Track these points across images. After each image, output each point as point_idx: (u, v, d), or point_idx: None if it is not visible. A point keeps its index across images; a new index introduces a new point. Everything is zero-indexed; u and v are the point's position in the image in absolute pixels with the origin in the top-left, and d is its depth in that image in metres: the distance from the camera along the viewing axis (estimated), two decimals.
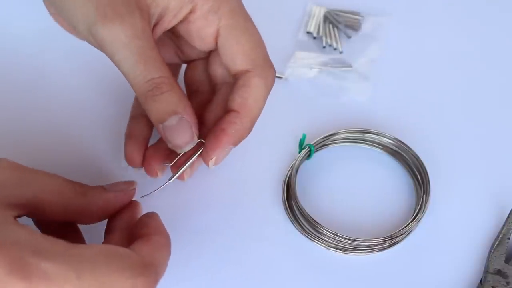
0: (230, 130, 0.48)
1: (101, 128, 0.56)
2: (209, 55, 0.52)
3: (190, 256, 0.50)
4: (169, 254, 0.43)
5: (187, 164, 0.48)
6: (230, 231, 0.51)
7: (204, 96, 0.52)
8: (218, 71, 0.51)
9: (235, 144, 0.49)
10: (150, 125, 0.51)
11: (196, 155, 0.48)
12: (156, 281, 0.41)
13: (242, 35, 0.48)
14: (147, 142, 0.51)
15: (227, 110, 0.49)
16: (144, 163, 0.50)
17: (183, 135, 0.45)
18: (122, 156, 0.50)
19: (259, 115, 0.49)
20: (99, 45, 0.45)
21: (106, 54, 0.45)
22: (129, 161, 0.50)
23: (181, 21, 0.48)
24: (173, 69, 0.54)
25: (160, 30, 0.48)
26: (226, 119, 0.48)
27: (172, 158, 0.49)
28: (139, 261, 0.39)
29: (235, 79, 0.49)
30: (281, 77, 0.60)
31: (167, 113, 0.45)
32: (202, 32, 0.49)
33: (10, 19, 0.62)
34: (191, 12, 0.48)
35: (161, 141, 0.50)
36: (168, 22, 0.48)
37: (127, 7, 0.44)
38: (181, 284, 0.49)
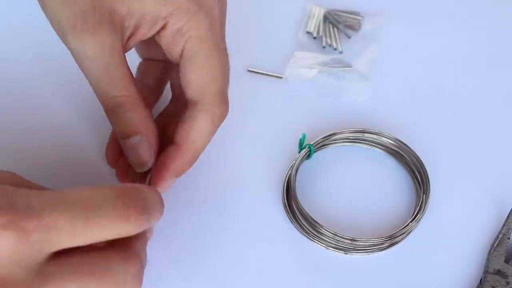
0: (171, 165, 0.47)
1: (95, 129, 0.56)
2: None
3: (189, 256, 0.50)
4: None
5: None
6: (229, 231, 0.51)
7: (183, 102, 0.51)
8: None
9: (178, 176, 0.48)
10: None
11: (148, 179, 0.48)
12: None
13: (200, 65, 0.47)
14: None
15: (171, 141, 0.48)
16: (116, 166, 0.51)
17: (141, 156, 0.46)
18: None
19: (202, 150, 0.48)
20: (71, 53, 0.45)
21: (76, 63, 0.45)
22: (108, 160, 0.51)
23: (155, 34, 0.48)
24: (162, 67, 0.54)
25: (134, 41, 0.47)
26: (168, 153, 0.48)
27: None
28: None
29: (187, 106, 0.48)
30: (280, 77, 0.60)
31: (127, 132, 0.45)
32: (170, 48, 0.48)
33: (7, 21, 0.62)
34: (162, 28, 0.47)
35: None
36: (143, 34, 0.47)
37: (98, 21, 0.44)
38: (180, 284, 0.49)
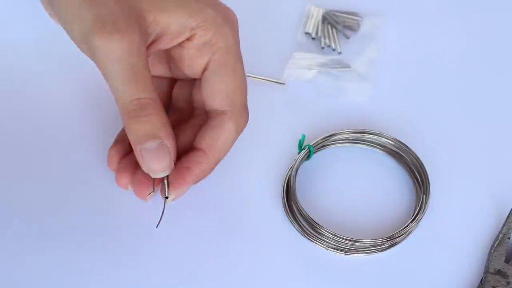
0: (195, 170, 0.48)
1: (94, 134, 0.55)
2: (195, 80, 0.52)
3: (189, 257, 0.50)
4: None
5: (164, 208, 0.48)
6: (229, 232, 0.51)
7: (184, 114, 0.52)
8: (200, 98, 0.51)
9: (196, 183, 0.49)
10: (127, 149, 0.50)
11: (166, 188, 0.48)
12: None
13: (229, 75, 0.48)
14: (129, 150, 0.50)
15: (194, 147, 0.49)
16: (117, 172, 0.50)
17: (161, 161, 0.45)
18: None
19: (223, 158, 0.50)
20: (91, 54, 0.44)
21: (97, 65, 0.44)
22: (108, 164, 0.50)
23: (176, 46, 0.48)
24: (166, 83, 0.54)
25: (154, 49, 0.47)
26: (192, 158, 0.48)
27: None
28: None
29: (208, 116, 0.49)
30: (283, 84, 0.60)
31: (148, 136, 0.44)
32: (194, 61, 0.48)
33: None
34: (188, 39, 0.48)
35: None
36: (164, 44, 0.48)
37: (127, 22, 0.44)
38: (181, 285, 0.49)
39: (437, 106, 0.60)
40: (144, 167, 0.46)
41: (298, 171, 0.54)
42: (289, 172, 0.54)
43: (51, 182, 0.53)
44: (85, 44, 0.44)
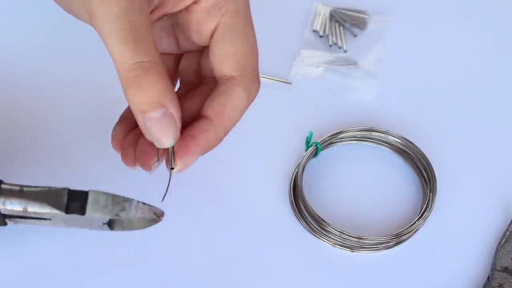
0: (201, 139, 0.44)
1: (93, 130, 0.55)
2: (203, 48, 0.49)
3: (197, 254, 0.50)
4: None
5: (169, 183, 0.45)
6: (236, 229, 0.52)
7: (193, 86, 0.49)
8: (209, 66, 0.48)
9: (203, 154, 0.45)
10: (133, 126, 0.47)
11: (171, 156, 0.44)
12: None
13: (238, 39, 0.45)
14: (134, 125, 0.47)
15: (201, 115, 0.45)
16: (121, 149, 0.46)
17: (166, 131, 0.41)
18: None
19: (233, 127, 0.46)
20: (90, 17, 0.41)
21: (95, 28, 0.41)
22: (112, 143, 0.47)
23: (183, 10, 0.46)
24: (173, 60, 0.51)
25: (159, 13, 0.45)
26: (198, 125, 0.44)
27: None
28: None
29: (218, 82, 0.46)
30: (289, 83, 0.60)
31: (151, 104, 0.40)
32: (201, 25, 0.46)
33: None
34: (195, 2, 0.45)
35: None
36: (170, 7, 0.45)
37: None
38: (187, 281, 0.49)
39: (444, 105, 0.60)
40: (149, 137, 0.42)
41: (305, 168, 0.54)
42: (296, 169, 0.54)
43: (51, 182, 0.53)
44: (84, 7, 0.41)
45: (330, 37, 0.64)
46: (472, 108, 0.60)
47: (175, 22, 0.48)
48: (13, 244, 0.49)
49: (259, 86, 0.46)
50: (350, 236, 0.50)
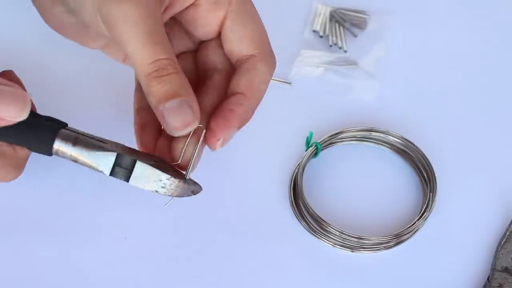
0: (238, 111, 0.47)
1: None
2: (197, 47, 0.52)
3: (197, 253, 0.50)
4: None
5: (195, 155, 0.46)
6: (236, 229, 0.52)
7: (192, 85, 0.50)
8: (209, 59, 0.51)
9: (240, 127, 0.48)
10: None
11: (200, 141, 0.46)
12: None
13: (249, 21, 0.49)
14: (161, 132, 0.49)
15: (230, 93, 0.48)
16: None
17: (183, 116, 0.44)
18: None
19: (262, 98, 0.49)
20: (107, 25, 0.44)
21: (113, 33, 0.44)
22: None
23: (189, 6, 0.48)
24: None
25: (169, 14, 0.47)
26: (232, 100, 0.47)
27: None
28: None
29: (237, 64, 0.49)
30: (289, 83, 0.60)
31: (169, 95, 0.44)
32: (209, 16, 0.49)
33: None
34: None
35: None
36: (179, 6, 0.48)
37: None
38: (187, 280, 0.49)
39: (444, 105, 0.60)
40: (167, 128, 0.45)
41: (305, 168, 0.54)
42: (296, 170, 0.54)
43: (54, 182, 0.53)
44: (99, 15, 0.44)
45: (330, 37, 0.64)
46: (472, 108, 0.60)
47: (182, 20, 0.50)
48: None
49: (275, 60, 0.50)
50: (350, 236, 0.50)
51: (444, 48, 0.64)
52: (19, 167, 0.46)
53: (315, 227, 0.51)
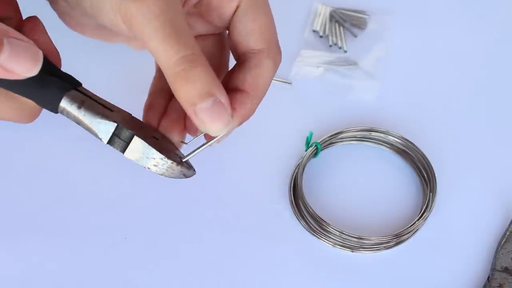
0: (241, 111, 0.46)
1: None
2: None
3: (196, 252, 0.50)
4: None
5: (206, 145, 0.46)
6: (237, 228, 0.52)
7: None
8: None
9: (240, 124, 0.47)
10: (169, 98, 0.50)
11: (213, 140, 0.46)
12: None
13: (261, 13, 0.48)
14: (165, 112, 0.49)
15: (233, 88, 0.47)
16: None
17: (220, 119, 0.43)
18: None
19: (264, 96, 0.48)
20: (128, 22, 0.43)
21: (134, 31, 0.43)
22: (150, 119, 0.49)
23: None
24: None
25: (188, 5, 0.47)
26: (237, 99, 0.46)
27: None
28: None
29: (242, 57, 0.48)
30: (289, 83, 0.60)
31: (202, 95, 0.42)
32: (223, 7, 0.48)
33: None
34: None
35: (172, 111, 0.49)
36: None
37: None
38: (188, 279, 0.49)
39: (444, 105, 0.60)
40: (202, 128, 0.44)
41: (305, 168, 0.54)
42: (296, 170, 0.54)
43: (55, 181, 0.53)
44: (120, 16, 0.43)
45: (330, 37, 0.64)
46: (472, 108, 0.60)
47: (196, 7, 0.49)
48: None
49: (281, 55, 0.49)
50: (350, 236, 0.50)
51: (444, 48, 0.64)
52: (32, 113, 0.45)
53: (315, 227, 0.51)
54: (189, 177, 0.47)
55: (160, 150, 0.45)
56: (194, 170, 0.47)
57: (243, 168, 0.54)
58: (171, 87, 0.43)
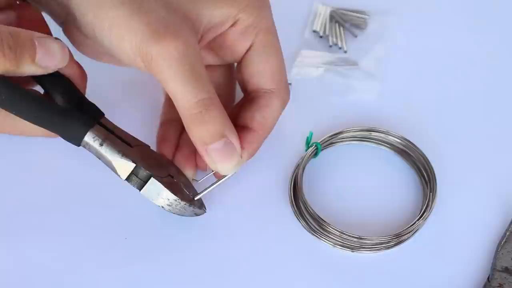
0: (249, 150, 0.48)
1: None
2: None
3: (197, 253, 0.50)
4: None
5: (216, 184, 0.49)
6: (237, 229, 0.52)
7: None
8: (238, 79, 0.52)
9: (248, 160, 0.49)
10: (180, 130, 0.52)
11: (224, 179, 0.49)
12: None
13: (273, 54, 0.49)
14: (177, 146, 0.52)
15: (241, 125, 0.49)
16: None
17: (230, 159, 0.46)
18: None
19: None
20: (147, 64, 0.44)
21: (154, 73, 0.44)
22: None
23: (218, 35, 0.49)
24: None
25: (203, 44, 0.48)
26: (245, 139, 0.48)
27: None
28: None
29: (252, 94, 0.50)
30: (289, 83, 0.60)
31: (213, 136, 0.45)
32: (236, 45, 0.49)
33: None
34: (232, 25, 0.48)
35: (185, 144, 0.51)
36: (211, 36, 0.48)
37: (178, 24, 0.44)
38: (188, 279, 0.49)
39: (444, 105, 0.60)
40: (212, 166, 0.46)
41: (306, 168, 0.54)
42: (296, 170, 0.54)
43: (55, 181, 0.53)
44: (139, 56, 0.44)
45: (330, 37, 0.64)
46: (472, 109, 0.60)
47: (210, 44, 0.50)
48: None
49: (289, 95, 0.51)
50: (350, 236, 0.50)
51: (444, 48, 0.64)
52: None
53: (315, 227, 0.51)
54: (199, 215, 0.50)
55: (174, 191, 0.47)
56: (205, 208, 0.50)
57: (243, 168, 0.54)
58: (185, 126, 0.45)
